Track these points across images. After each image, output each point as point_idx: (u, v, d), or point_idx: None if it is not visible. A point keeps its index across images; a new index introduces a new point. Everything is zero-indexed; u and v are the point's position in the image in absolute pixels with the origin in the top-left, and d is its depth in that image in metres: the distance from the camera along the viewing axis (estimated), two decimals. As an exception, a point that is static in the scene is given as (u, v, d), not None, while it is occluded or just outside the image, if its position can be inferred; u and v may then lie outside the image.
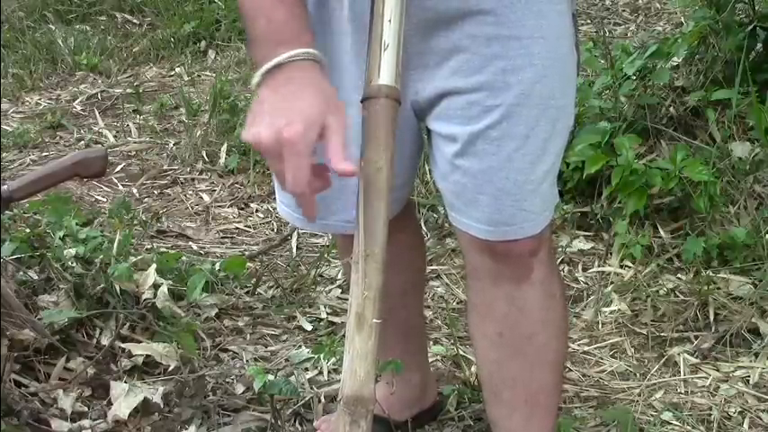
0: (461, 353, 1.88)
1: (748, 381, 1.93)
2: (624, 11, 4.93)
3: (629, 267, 2.29)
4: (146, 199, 2.66)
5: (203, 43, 3.81)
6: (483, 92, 1.12)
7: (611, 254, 2.37)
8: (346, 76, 1.17)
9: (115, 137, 3.04)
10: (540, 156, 1.19)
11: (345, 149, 0.94)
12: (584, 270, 2.35)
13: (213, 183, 2.71)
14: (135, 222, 2.40)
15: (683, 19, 4.10)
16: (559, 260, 2.35)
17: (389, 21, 0.99)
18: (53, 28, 4.02)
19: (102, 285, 1.86)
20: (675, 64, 2.88)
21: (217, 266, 2.14)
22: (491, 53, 1.11)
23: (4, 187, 1.45)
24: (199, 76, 3.56)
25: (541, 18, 1.12)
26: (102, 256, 1.95)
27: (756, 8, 2.72)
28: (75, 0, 4.31)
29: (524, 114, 1.15)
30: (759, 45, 2.69)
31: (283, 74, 0.96)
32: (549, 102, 1.16)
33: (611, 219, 2.43)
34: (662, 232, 2.36)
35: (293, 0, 1.02)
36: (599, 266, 2.36)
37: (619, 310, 2.19)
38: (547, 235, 1.28)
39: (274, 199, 2.30)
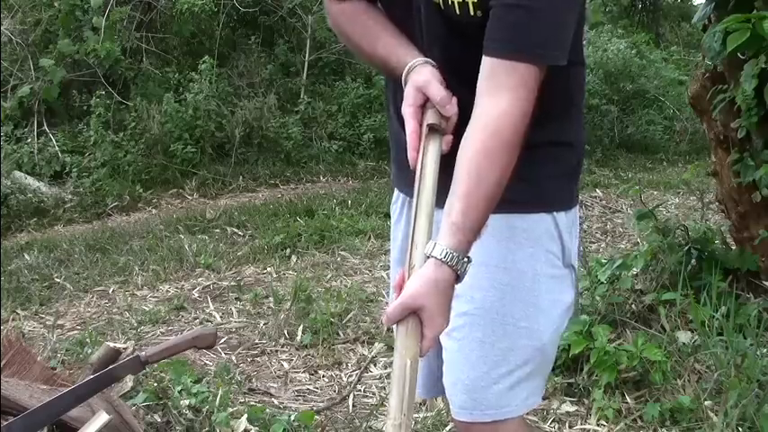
0: None
1: None
2: (597, 233, 5.59)
3: (605, 425, 2.71)
4: (241, 364, 3.20)
5: (288, 250, 4.70)
6: (456, 299, 1.22)
7: (590, 415, 2.77)
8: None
9: (221, 317, 3.69)
10: (496, 361, 1.34)
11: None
12: (570, 427, 2.76)
13: (291, 354, 3.27)
14: (232, 382, 2.91)
15: (639, 240, 4.77)
16: (550, 420, 2.76)
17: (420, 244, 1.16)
18: (182, 237, 5.01)
19: (206, 429, 2.30)
20: (635, 273, 3.45)
21: (292, 418, 2.53)
22: None
23: (142, 353, 1.81)
24: (284, 274, 4.32)
25: (509, 253, 1.33)
26: (207, 407, 2.42)
27: (690, 234, 3.41)
28: (198, 217, 5.46)
29: (483, 324, 1.33)
30: (693, 260, 3.33)
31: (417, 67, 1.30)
32: (507, 319, 1.33)
33: (590, 388, 2.84)
34: (628, 399, 2.77)
35: (400, 39, 1.35)
36: (581, 425, 2.76)
37: (596, 461, 2.53)
38: (509, 427, 1.38)
39: (337, 368, 3.02)
